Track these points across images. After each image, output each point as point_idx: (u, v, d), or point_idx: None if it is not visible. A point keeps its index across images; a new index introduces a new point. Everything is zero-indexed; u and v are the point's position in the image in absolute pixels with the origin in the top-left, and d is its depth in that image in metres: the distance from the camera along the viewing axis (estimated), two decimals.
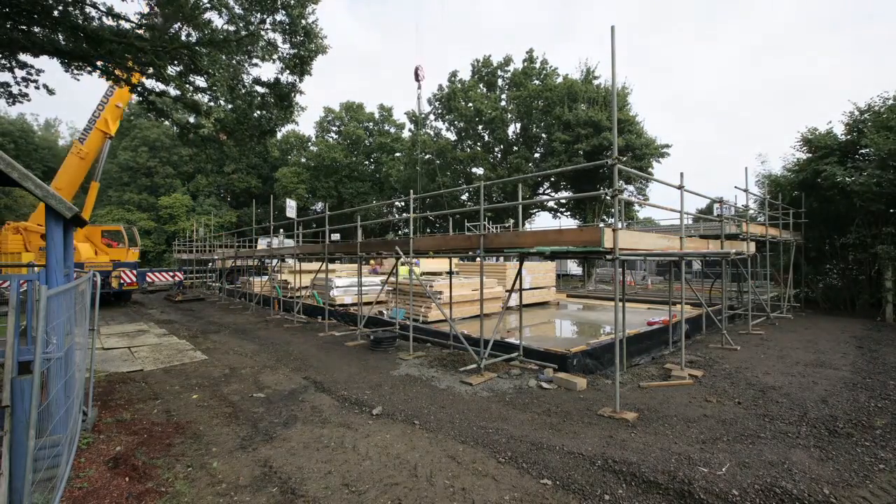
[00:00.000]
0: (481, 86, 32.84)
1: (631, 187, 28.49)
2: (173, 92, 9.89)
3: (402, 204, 28.98)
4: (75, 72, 8.69)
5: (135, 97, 11.62)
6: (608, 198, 6.15)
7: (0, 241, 16.16)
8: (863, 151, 13.52)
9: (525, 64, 31.54)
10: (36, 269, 10.31)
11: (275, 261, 18.59)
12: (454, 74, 33.25)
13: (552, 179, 30.13)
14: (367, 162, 44.85)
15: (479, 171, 27.74)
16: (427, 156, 33.75)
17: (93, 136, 16.15)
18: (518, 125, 31.87)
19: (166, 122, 20.11)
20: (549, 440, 4.75)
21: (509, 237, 7.38)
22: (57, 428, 3.53)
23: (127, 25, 8.25)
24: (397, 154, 42.61)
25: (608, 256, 5.82)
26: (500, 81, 33.31)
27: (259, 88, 10.54)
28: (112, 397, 6.34)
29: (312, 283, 15.93)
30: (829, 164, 13.73)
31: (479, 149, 32.00)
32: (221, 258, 23.44)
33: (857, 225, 13.38)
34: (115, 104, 16.21)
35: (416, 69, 26.17)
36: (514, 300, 11.93)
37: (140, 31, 8.18)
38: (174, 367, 8.19)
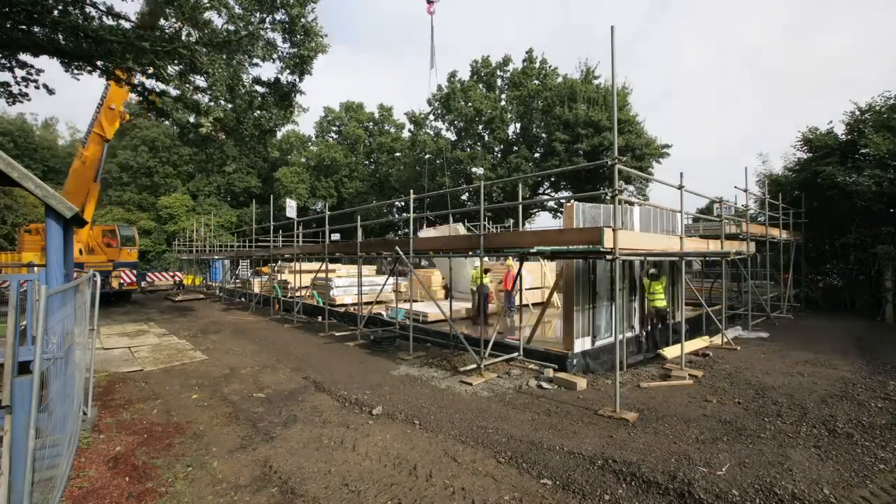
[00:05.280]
0: (480, 86, 32.81)
1: (631, 187, 28.48)
2: (173, 92, 9.89)
3: (402, 204, 28.99)
4: (75, 72, 8.69)
5: (135, 97, 11.61)
6: (608, 198, 6.16)
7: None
8: (863, 151, 13.51)
9: (525, 64, 31.51)
10: (36, 268, 10.31)
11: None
12: (453, 75, 33.21)
13: (552, 179, 30.11)
14: (367, 162, 44.83)
15: (479, 170, 27.70)
16: (427, 155, 33.71)
17: (91, 140, 16.10)
18: (518, 125, 31.84)
19: (166, 122, 20.10)
20: (549, 440, 4.75)
21: (509, 237, 7.39)
22: (57, 428, 3.52)
23: (127, 25, 8.26)
24: (397, 154, 42.59)
25: (608, 256, 5.82)
26: (499, 81, 33.29)
27: (259, 88, 10.55)
28: (112, 397, 6.34)
29: (312, 283, 15.93)
30: (830, 163, 13.72)
31: (479, 149, 31.97)
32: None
33: (857, 225, 13.37)
34: (107, 106, 15.86)
35: None
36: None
37: (140, 31, 8.18)
38: (174, 367, 8.19)
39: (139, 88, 9.93)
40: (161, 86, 9.72)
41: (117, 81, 9.53)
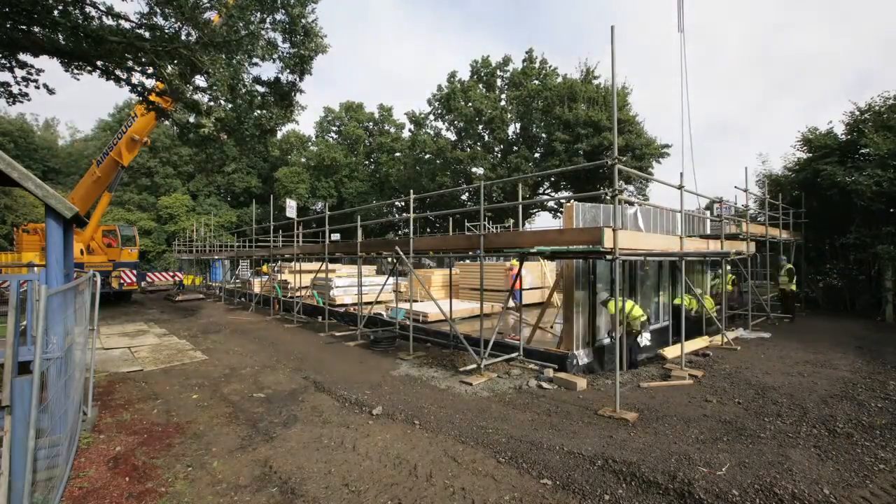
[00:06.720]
0: (480, 86, 32.82)
1: (631, 187, 28.49)
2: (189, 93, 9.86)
3: (402, 204, 29.01)
4: (75, 72, 8.69)
5: (135, 97, 11.59)
6: (608, 198, 6.16)
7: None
8: (863, 151, 13.51)
9: (525, 64, 31.54)
10: (36, 268, 10.31)
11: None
12: (453, 75, 33.22)
13: (552, 179, 30.12)
14: (367, 162, 44.85)
15: (480, 170, 27.73)
16: (427, 156, 33.72)
17: (107, 162, 16.13)
18: (518, 125, 31.85)
19: (166, 122, 20.10)
20: (549, 440, 4.74)
21: (509, 237, 7.39)
22: (57, 428, 3.53)
23: (127, 25, 8.25)
24: (397, 154, 42.62)
25: (608, 256, 5.82)
26: (499, 82, 33.31)
27: (259, 87, 10.55)
28: (112, 397, 6.34)
29: (312, 283, 15.93)
30: (830, 163, 13.72)
31: (479, 149, 31.98)
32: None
33: (857, 225, 13.36)
34: (130, 136, 15.67)
35: None
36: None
37: (140, 31, 8.17)
38: (174, 367, 8.19)
39: (139, 89, 9.91)
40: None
41: (117, 81, 9.51)
